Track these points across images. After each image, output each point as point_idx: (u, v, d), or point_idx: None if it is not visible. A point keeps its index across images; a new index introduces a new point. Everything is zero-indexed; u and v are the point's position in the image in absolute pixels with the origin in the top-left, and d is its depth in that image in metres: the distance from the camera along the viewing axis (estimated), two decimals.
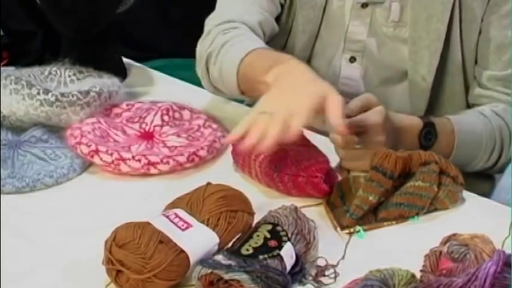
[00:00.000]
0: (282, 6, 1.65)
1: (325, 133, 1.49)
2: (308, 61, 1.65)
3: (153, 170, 1.38)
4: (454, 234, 1.13)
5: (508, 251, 1.03)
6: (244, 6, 1.61)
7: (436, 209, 1.29)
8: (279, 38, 1.66)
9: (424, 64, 1.53)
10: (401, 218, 1.26)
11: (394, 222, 1.26)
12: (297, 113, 1.24)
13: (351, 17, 1.58)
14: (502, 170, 1.61)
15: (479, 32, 1.54)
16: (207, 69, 1.55)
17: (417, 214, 1.27)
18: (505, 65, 1.54)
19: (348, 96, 1.59)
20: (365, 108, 1.34)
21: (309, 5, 1.60)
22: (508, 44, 1.52)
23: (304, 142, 1.41)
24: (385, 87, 1.60)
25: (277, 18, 1.65)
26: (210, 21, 1.61)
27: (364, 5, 1.57)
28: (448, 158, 1.44)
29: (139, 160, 1.37)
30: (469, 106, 1.61)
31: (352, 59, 1.61)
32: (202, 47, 1.57)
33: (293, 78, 1.33)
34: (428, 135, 1.45)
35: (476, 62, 1.57)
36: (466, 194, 1.33)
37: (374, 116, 1.33)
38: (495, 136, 1.52)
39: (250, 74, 1.42)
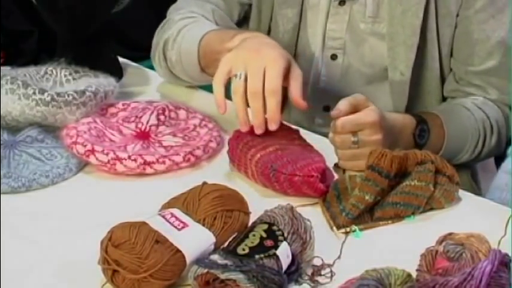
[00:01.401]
0: (250, 5, 1.68)
1: (321, 133, 1.49)
2: None
3: (149, 170, 1.38)
4: (450, 234, 1.13)
5: (504, 250, 1.03)
6: (199, 2, 1.66)
7: (432, 209, 1.29)
8: None
9: (402, 60, 1.54)
10: (397, 217, 1.27)
11: (390, 221, 1.26)
12: (271, 66, 1.30)
13: (329, 14, 1.59)
14: (486, 158, 1.64)
15: (455, 27, 1.55)
16: (164, 55, 1.59)
17: (413, 213, 1.27)
18: (482, 59, 1.55)
19: (329, 94, 1.60)
20: (354, 109, 1.34)
21: (286, 5, 1.61)
22: (484, 39, 1.53)
23: (300, 142, 1.41)
24: (369, 85, 1.61)
25: (247, 18, 1.69)
26: (169, 14, 1.67)
27: (342, 2, 1.57)
28: (438, 153, 1.46)
29: (135, 160, 1.37)
30: (444, 99, 1.62)
31: (334, 57, 1.61)
32: (158, 36, 1.63)
33: (260, 41, 1.37)
34: (422, 133, 1.46)
35: (452, 55, 1.58)
36: (462, 193, 1.33)
37: (370, 114, 1.33)
38: (479, 128, 1.55)
39: (213, 45, 1.46)
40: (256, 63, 1.32)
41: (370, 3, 1.55)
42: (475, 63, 1.56)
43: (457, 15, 1.53)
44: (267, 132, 1.37)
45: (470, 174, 1.66)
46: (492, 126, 1.56)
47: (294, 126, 1.47)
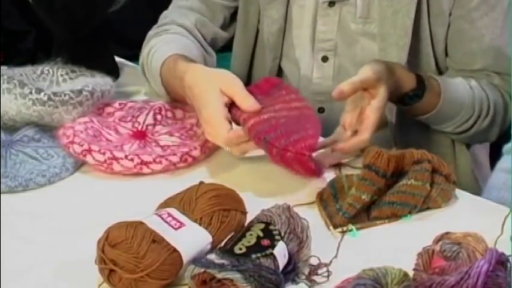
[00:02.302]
0: (236, 8, 1.69)
1: None
2: (279, 61, 1.67)
3: (145, 170, 1.38)
4: (447, 233, 1.13)
5: (500, 250, 1.03)
6: (182, 10, 1.68)
7: (428, 208, 1.29)
8: (247, 36, 1.68)
9: (394, 60, 1.53)
10: (394, 216, 1.27)
11: (386, 221, 1.26)
12: (215, 132, 1.35)
13: (319, 16, 1.58)
14: (471, 141, 1.64)
15: (448, 26, 1.54)
16: (145, 76, 1.63)
17: (410, 213, 1.27)
18: (478, 58, 1.55)
19: (323, 95, 1.60)
20: (362, 88, 1.36)
21: (271, 6, 1.61)
22: (479, 37, 1.53)
23: (297, 103, 1.39)
24: None
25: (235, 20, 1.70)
26: (159, 20, 1.71)
27: (331, 4, 1.57)
28: (423, 115, 1.50)
29: (132, 159, 1.37)
30: None
31: (325, 59, 1.61)
32: (141, 52, 1.65)
33: (193, 99, 1.39)
34: (413, 97, 1.47)
35: (447, 55, 1.58)
36: (458, 192, 1.33)
37: (375, 111, 1.35)
38: (475, 106, 1.55)
39: (174, 93, 1.52)
40: (212, 136, 1.37)
41: (360, 4, 1.54)
42: (471, 62, 1.56)
43: (450, 14, 1.53)
44: (265, 92, 1.38)
45: (471, 161, 1.66)
46: (489, 108, 1.56)
47: (293, 88, 1.47)
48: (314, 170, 1.30)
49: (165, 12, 1.72)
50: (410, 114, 1.53)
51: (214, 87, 1.37)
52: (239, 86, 1.37)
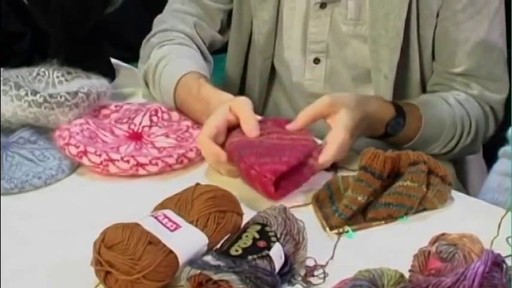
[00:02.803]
0: (231, 11, 1.69)
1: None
2: (271, 63, 1.67)
3: (141, 171, 1.38)
4: (443, 234, 1.13)
5: (496, 251, 1.03)
6: (180, 15, 1.67)
7: (424, 209, 1.29)
8: (241, 37, 1.68)
9: (385, 62, 1.53)
10: (390, 218, 1.27)
11: (383, 222, 1.26)
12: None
13: (310, 18, 1.58)
14: (457, 156, 1.64)
15: (435, 27, 1.54)
16: (146, 83, 1.62)
17: (406, 214, 1.27)
18: (462, 61, 1.55)
19: (316, 97, 1.60)
20: (320, 117, 1.38)
21: (262, 6, 1.61)
22: (463, 40, 1.53)
23: (294, 136, 1.38)
24: (354, 86, 1.60)
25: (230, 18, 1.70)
26: (154, 26, 1.69)
27: (323, 5, 1.57)
28: (408, 143, 1.49)
29: (127, 161, 1.37)
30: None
31: (317, 61, 1.61)
32: (141, 58, 1.65)
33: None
34: (396, 126, 1.46)
35: (433, 57, 1.57)
36: (454, 194, 1.33)
37: (338, 137, 1.34)
38: (457, 125, 1.54)
39: (188, 114, 1.53)
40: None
41: (352, 6, 1.54)
42: (455, 65, 1.55)
43: (437, 16, 1.53)
44: (269, 125, 1.39)
45: (454, 172, 1.66)
46: (471, 124, 1.56)
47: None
48: (273, 196, 1.27)
49: (160, 17, 1.71)
50: (396, 144, 1.52)
51: (226, 103, 1.38)
52: (248, 108, 1.38)
